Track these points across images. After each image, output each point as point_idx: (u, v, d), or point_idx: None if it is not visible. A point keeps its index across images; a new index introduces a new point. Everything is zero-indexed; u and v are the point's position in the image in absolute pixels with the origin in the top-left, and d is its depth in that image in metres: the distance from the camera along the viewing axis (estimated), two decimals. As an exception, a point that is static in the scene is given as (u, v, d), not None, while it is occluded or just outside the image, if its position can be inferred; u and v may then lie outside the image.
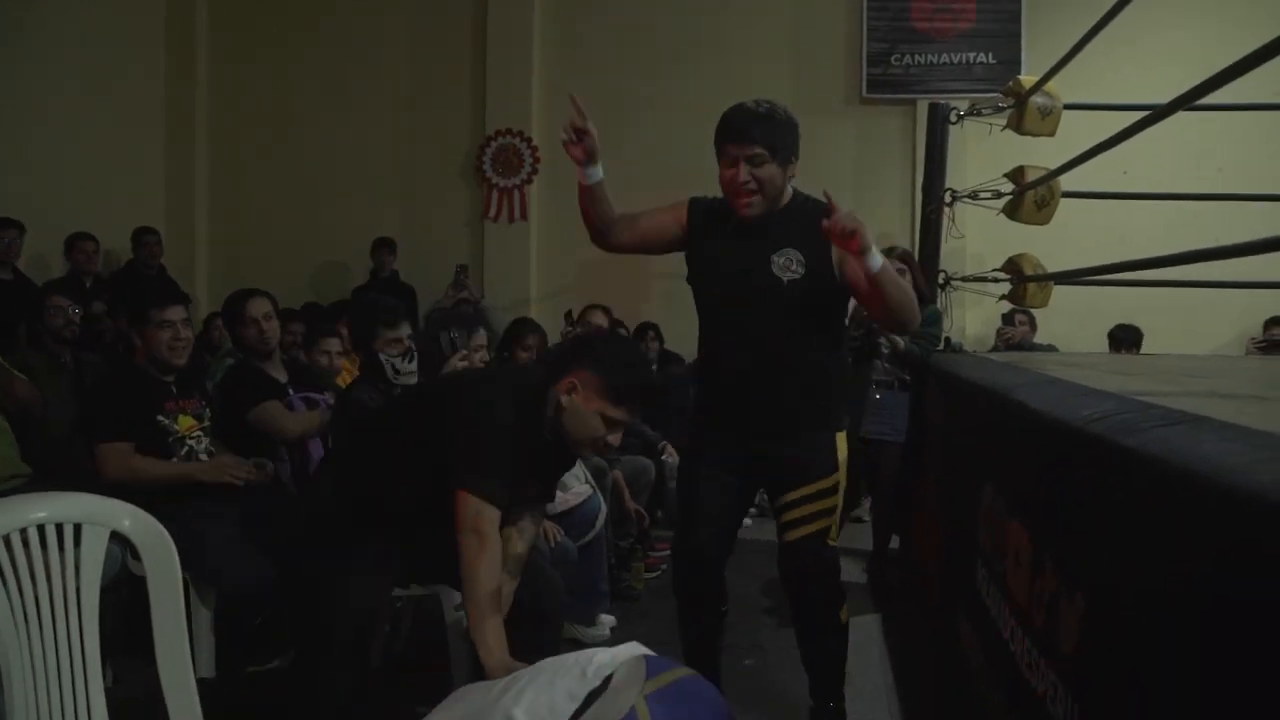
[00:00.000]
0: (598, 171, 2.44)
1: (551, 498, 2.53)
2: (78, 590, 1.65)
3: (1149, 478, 1.19)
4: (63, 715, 1.56)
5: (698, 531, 2.59)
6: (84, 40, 6.77)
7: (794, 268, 2.43)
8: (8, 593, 1.55)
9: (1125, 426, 1.38)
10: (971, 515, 2.40)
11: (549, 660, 1.74)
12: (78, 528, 1.67)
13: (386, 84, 7.67)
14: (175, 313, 3.05)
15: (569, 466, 2.57)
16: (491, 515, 2.06)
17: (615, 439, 2.20)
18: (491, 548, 2.06)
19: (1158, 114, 2.96)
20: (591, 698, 1.54)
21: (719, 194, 2.51)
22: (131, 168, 7.35)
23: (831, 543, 2.59)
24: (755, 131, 2.37)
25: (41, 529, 1.62)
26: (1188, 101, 2.68)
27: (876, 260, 2.28)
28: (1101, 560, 1.36)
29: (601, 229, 2.52)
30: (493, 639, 1.98)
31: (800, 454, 2.53)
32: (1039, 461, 1.77)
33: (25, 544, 1.58)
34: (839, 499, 2.58)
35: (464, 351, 3.18)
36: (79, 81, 6.67)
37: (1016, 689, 1.76)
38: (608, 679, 1.54)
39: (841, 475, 2.57)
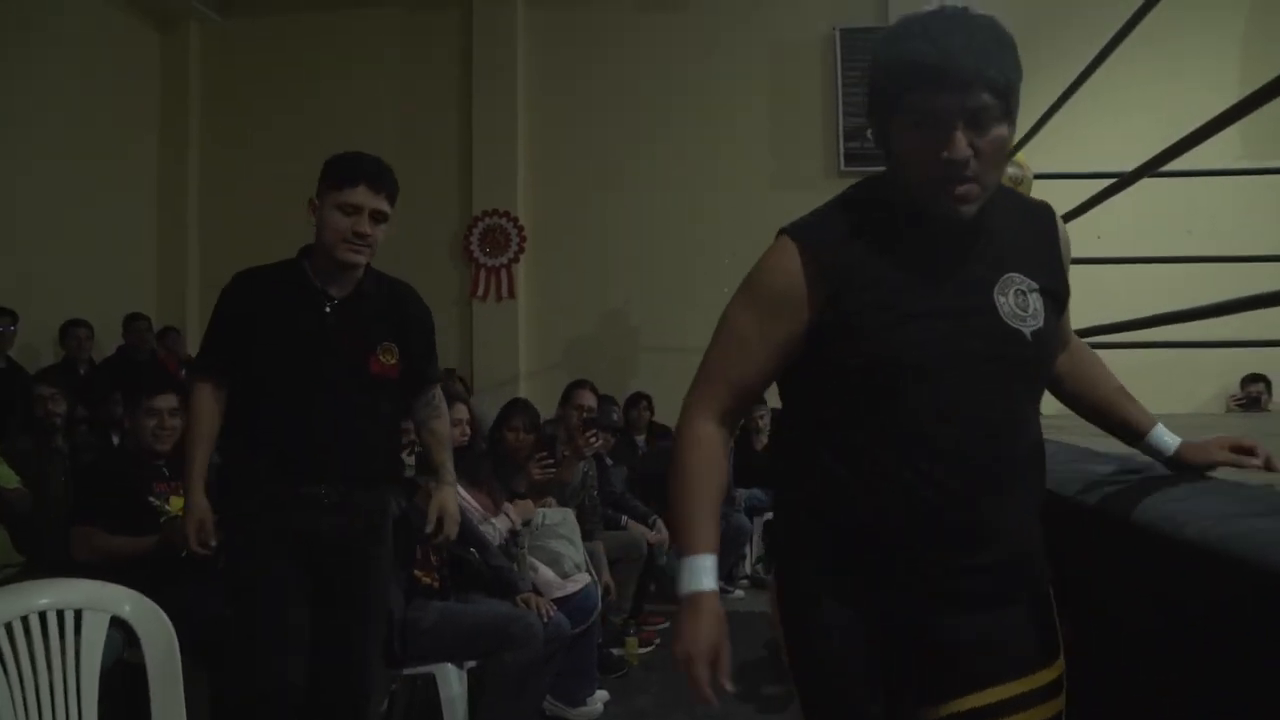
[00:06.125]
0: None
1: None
2: (78, 676, 1.67)
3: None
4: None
5: None
6: (75, 124, 6.88)
7: (1030, 307, 1.36)
8: (8, 680, 1.56)
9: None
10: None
11: None
12: (78, 613, 1.69)
13: (375, 168, 7.82)
14: (164, 401, 3.11)
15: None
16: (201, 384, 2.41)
17: (358, 223, 2.38)
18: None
19: (1124, 181, 3.06)
20: None
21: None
22: (123, 252, 7.45)
23: None
24: (987, 65, 1.23)
25: (43, 615, 1.64)
26: (1151, 169, 2.78)
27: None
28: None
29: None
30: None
31: (1002, 628, 1.38)
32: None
33: (26, 630, 1.61)
34: (1062, 704, 1.40)
35: None
36: (70, 164, 6.76)
37: None
38: None
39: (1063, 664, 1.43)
